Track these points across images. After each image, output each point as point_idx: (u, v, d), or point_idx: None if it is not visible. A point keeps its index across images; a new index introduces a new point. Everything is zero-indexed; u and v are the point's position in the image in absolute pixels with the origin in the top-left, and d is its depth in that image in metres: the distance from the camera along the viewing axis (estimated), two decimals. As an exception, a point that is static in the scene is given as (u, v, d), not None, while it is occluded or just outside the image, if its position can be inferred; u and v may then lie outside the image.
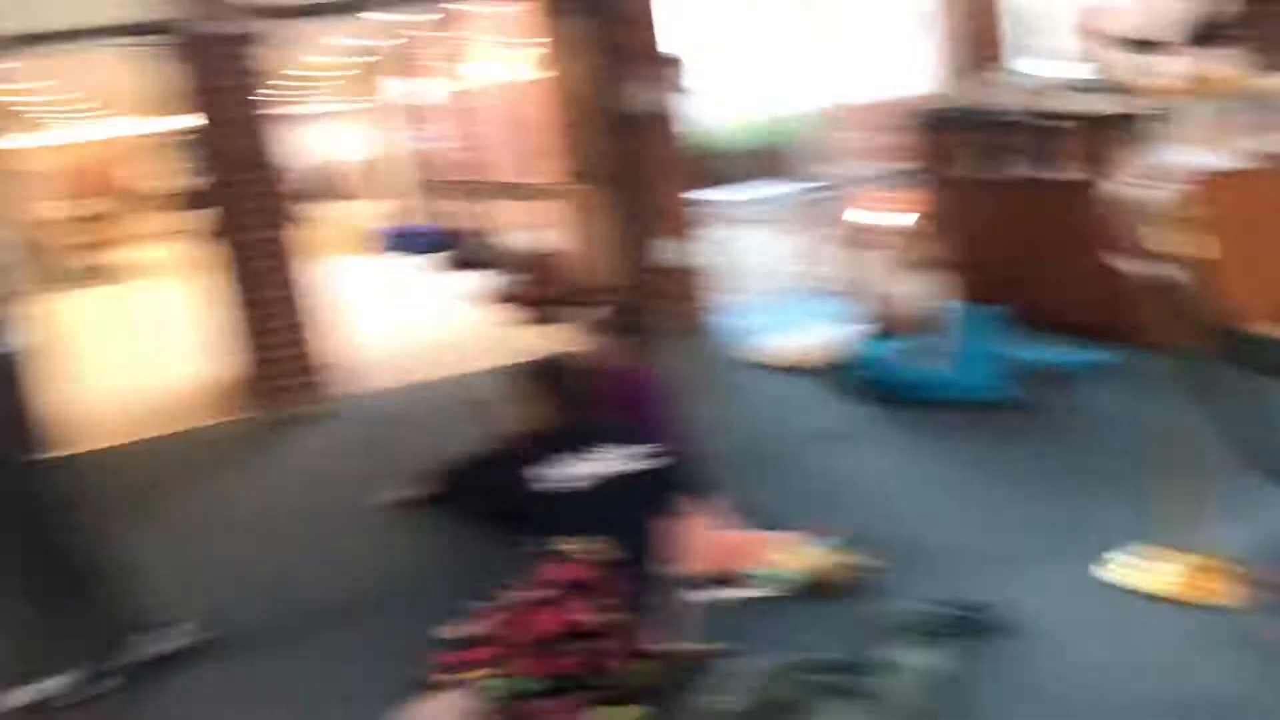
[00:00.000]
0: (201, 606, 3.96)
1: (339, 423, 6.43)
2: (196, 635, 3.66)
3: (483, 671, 2.81)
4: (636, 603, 3.02)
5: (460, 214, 12.91)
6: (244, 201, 6.42)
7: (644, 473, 3.37)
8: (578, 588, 2.96)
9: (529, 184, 10.26)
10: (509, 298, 9.26)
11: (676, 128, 7.50)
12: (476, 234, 12.13)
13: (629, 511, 3.25)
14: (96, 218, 17.44)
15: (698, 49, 8.83)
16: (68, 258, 16.61)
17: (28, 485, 3.46)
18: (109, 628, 3.51)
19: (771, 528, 3.73)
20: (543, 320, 8.46)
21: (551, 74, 8.00)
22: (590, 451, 3.38)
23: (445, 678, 2.89)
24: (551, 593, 2.97)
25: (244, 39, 6.30)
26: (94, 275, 16.65)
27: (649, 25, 7.31)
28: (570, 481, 3.34)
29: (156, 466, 6.05)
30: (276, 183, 6.48)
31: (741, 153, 12.63)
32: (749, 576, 3.50)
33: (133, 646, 3.53)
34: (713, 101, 11.34)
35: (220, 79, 6.31)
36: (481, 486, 4.29)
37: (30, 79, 12.93)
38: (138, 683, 3.48)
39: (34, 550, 3.45)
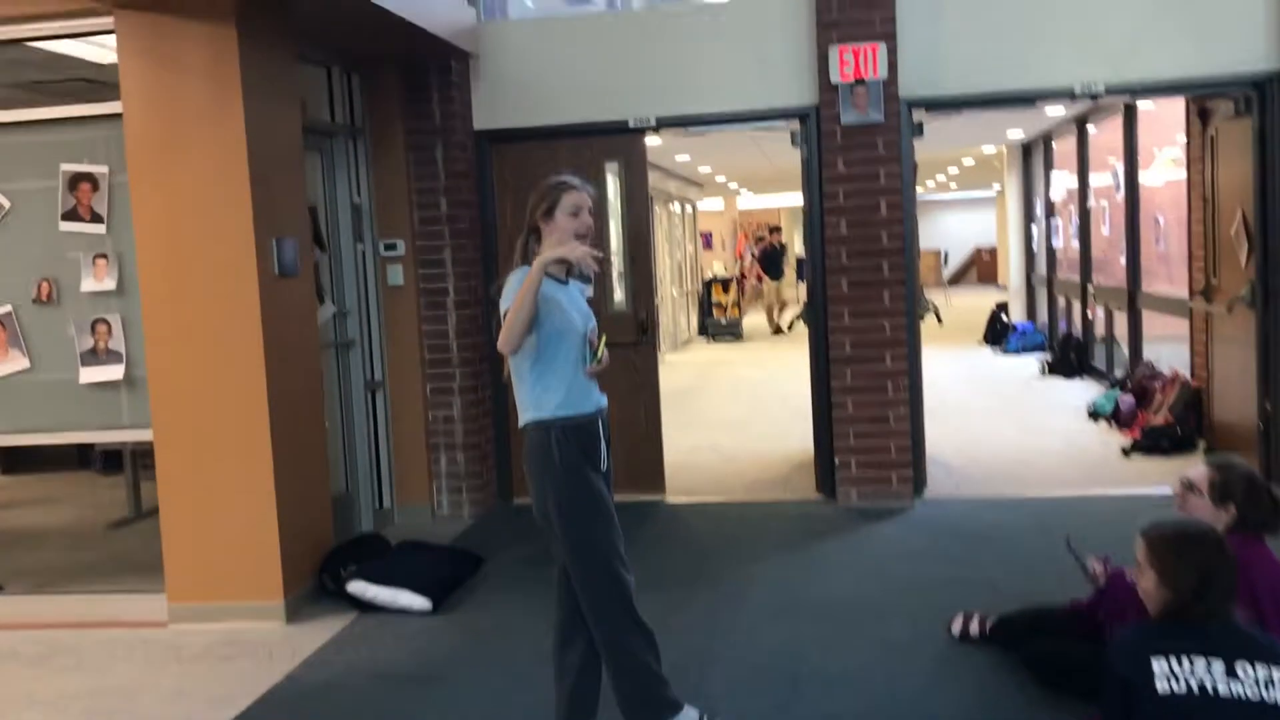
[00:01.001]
0: (730, 687, 3.95)
1: (920, 524, 6.15)
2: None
3: None
4: None
5: (1076, 317, 12.04)
6: (865, 286, 6.42)
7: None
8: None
9: (1157, 295, 9.27)
10: (1121, 419, 8.38)
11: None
12: (1086, 340, 11.24)
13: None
14: (742, 277, 18.89)
15: None
16: (716, 313, 18.16)
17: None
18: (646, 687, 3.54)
19: None
20: (1155, 452, 7.52)
21: (1200, 178, 7.10)
22: (1228, 658, 2.66)
23: None
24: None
25: (890, 128, 6.32)
26: (726, 332, 18.04)
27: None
28: (1203, 691, 2.62)
29: (729, 532, 6.21)
30: (898, 270, 6.39)
31: None
32: None
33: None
34: None
35: (857, 165, 6.38)
36: (1061, 658, 3.79)
37: (697, 154, 14.34)
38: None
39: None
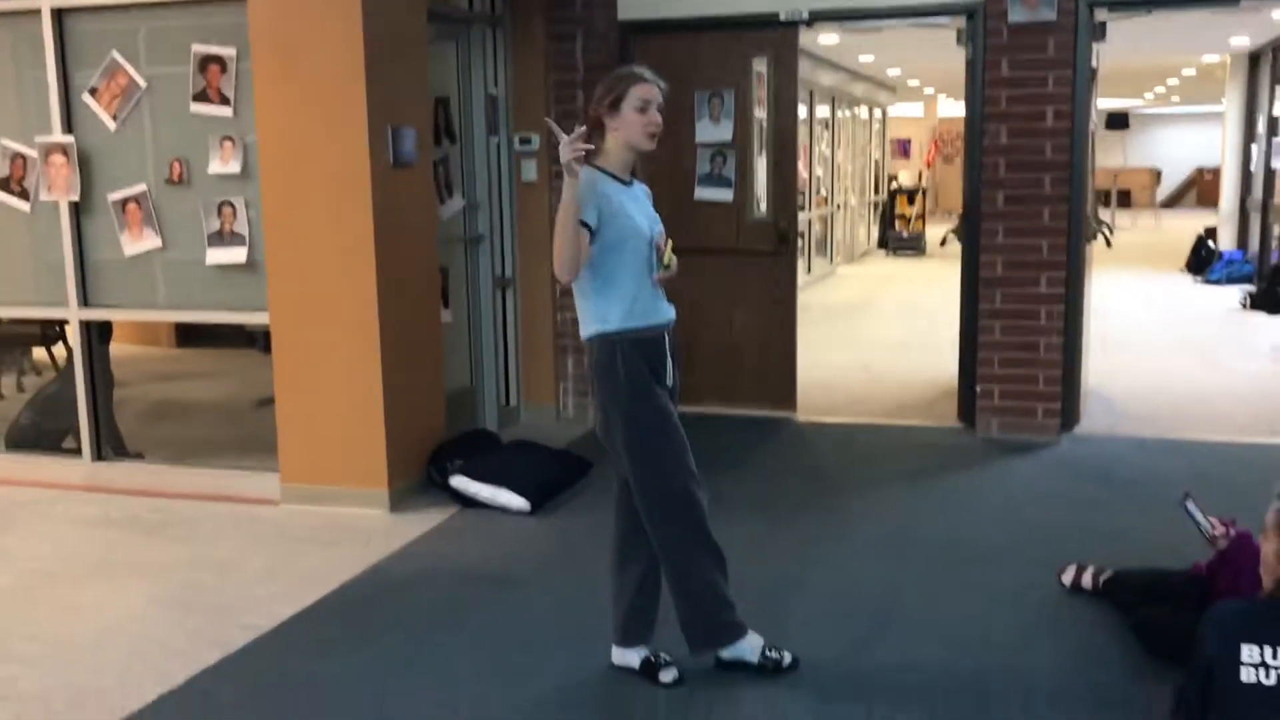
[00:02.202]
0: (811, 618, 3.74)
1: (1061, 462, 5.70)
2: (772, 655, 3.39)
3: None
4: None
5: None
6: (1023, 202, 5.91)
7: None
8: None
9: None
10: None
11: None
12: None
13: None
14: (922, 191, 18.06)
15: None
16: (899, 225, 17.48)
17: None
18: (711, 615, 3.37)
19: None
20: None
21: None
22: None
23: None
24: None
25: (1064, 28, 5.72)
26: (906, 245, 17.34)
27: None
28: None
29: (853, 456, 5.92)
30: (1061, 185, 5.85)
31: None
32: None
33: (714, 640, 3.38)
34: None
35: (1023, 69, 5.82)
36: (1170, 626, 3.40)
37: (882, 55, 13.60)
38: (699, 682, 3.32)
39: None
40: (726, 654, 3.38)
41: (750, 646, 3.38)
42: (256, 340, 8.87)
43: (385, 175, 4.97)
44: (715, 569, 3.33)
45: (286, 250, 5.05)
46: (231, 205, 5.22)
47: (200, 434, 6.73)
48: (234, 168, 5.18)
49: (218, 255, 5.27)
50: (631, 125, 3.16)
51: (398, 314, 5.09)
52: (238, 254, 5.24)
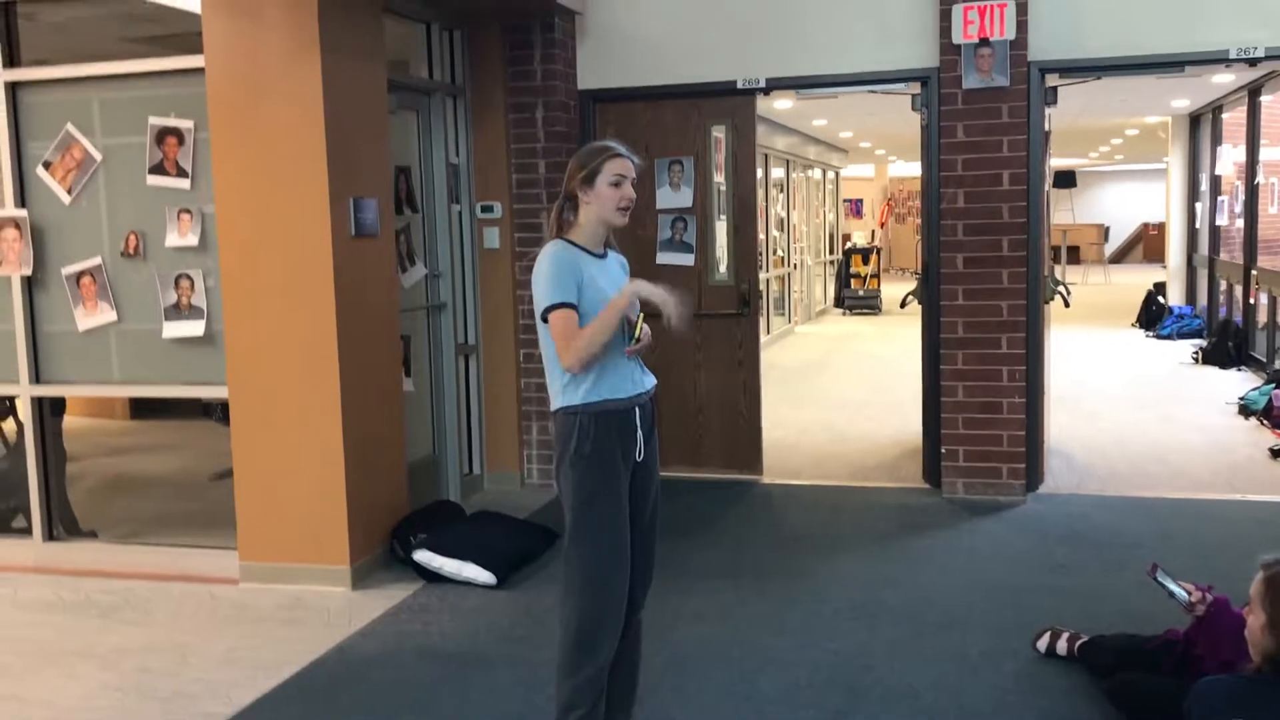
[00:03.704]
0: (784, 692, 3.68)
1: (1027, 523, 5.71)
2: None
3: None
4: None
5: (1238, 301, 11.13)
6: (982, 264, 5.98)
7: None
8: None
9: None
10: (1274, 416, 7.67)
11: None
12: (1247, 327, 10.37)
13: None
14: (876, 250, 18.26)
15: None
16: (855, 284, 17.63)
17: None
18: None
19: None
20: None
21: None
22: None
23: None
24: None
25: (1017, 93, 5.83)
26: (862, 304, 17.49)
27: None
28: None
29: (820, 520, 5.89)
30: (1018, 248, 5.92)
31: None
32: None
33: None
34: None
35: (979, 133, 5.92)
36: (1147, 692, 3.38)
37: (835, 119, 13.80)
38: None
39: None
40: None
41: None
42: (213, 411, 8.74)
43: (347, 246, 4.93)
44: (602, 674, 3.15)
45: (246, 322, 4.97)
46: (189, 278, 5.15)
47: (156, 509, 6.56)
48: (191, 240, 5.12)
49: (175, 329, 5.19)
50: (605, 200, 3.14)
51: (360, 385, 5.02)
52: (195, 327, 5.17)
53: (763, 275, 12.95)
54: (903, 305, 17.03)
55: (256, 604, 4.85)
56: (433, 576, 5.03)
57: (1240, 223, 11.08)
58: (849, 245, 18.76)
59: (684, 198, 6.64)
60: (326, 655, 4.24)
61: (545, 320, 3.09)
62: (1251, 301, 10.67)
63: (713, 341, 6.76)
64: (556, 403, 3.17)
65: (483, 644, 4.33)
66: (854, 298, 17.64)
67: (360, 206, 5.00)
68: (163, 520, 6.19)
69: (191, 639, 4.47)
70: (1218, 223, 12.42)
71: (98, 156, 5.23)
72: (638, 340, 3.15)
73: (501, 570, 4.99)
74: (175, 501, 6.78)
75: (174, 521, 6.16)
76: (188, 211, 5.11)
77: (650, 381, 3.28)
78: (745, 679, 3.88)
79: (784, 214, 15.09)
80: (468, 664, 4.13)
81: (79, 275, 5.29)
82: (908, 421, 7.77)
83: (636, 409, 3.20)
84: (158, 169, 5.13)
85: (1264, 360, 10.07)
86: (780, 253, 14.91)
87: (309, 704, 3.84)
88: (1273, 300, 9.95)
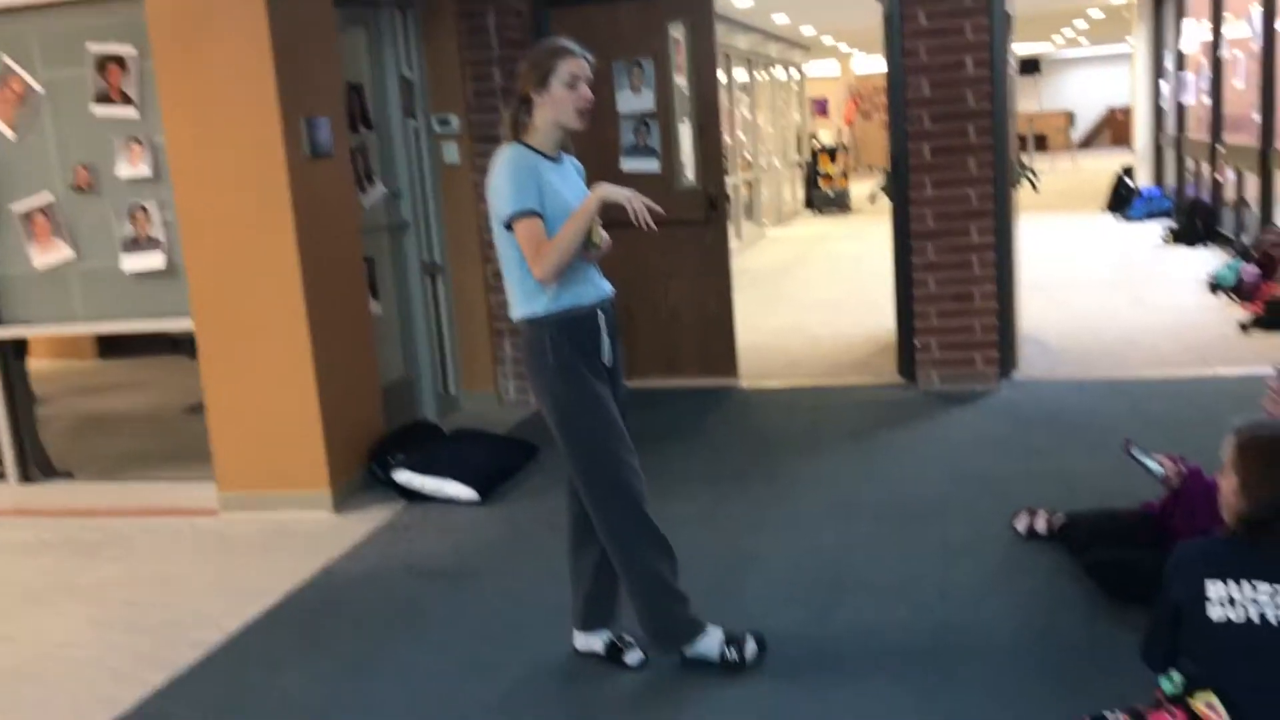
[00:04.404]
0: (768, 591, 3.72)
1: (1003, 409, 5.74)
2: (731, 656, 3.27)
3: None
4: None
5: (1205, 180, 11.13)
6: (949, 153, 5.92)
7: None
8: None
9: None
10: (1243, 291, 7.71)
11: None
12: (1215, 205, 10.38)
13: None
14: (843, 148, 18.12)
15: None
16: (823, 184, 17.53)
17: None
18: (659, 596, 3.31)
19: None
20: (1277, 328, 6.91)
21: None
22: None
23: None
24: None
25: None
26: (832, 204, 17.41)
27: None
28: (1263, 620, 2.27)
29: (798, 420, 5.91)
30: (985, 134, 5.85)
31: None
32: None
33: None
34: None
35: (940, 19, 5.81)
36: (1126, 566, 3.43)
37: (796, 14, 13.58)
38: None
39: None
40: (689, 652, 3.26)
41: (710, 644, 3.25)
42: (182, 346, 8.66)
43: (303, 167, 4.82)
44: (660, 559, 3.20)
45: (206, 252, 4.88)
46: (144, 209, 5.04)
47: (131, 446, 6.53)
48: (144, 170, 4.99)
49: (134, 262, 5.09)
50: (560, 102, 3.07)
51: (326, 308, 4.96)
52: (155, 259, 5.07)
53: (730, 180, 12.83)
54: (872, 200, 16.91)
55: (239, 533, 4.84)
56: (414, 496, 5.03)
57: (1206, 100, 11.02)
58: (816, 145, 18.61)
59: (645, 100, 6.51)
60: (314, 578, 4.25)
61: (508, 228, 3.04)
62: (1218, 179, 10.67)
63: (682, 249, 6.70)
64: (519, 311, 3.13)
65: (469, 559, 4.34)
66: (823, 198, 17.55)
67: (313, 126, 4.88)
68: (138, 457, 6.17)
69: (176, 571, 4.46)
70: (1183, 101, 12.36)
71: (40, 89, 5.07)
72: (597, 246, 3.10)
73: (483, 486, 4.99)
74: (149, 438, 6.76)
75: (150, 457, 6.14)
76: (138, 141, 4.97)
77: (608, 288, 3.24)
78: (729, 580, 3.92)
79: (749, 116, 14.91)
80: (455, 580, 4.15)
81: (30, 213, 5.16)
82: (881, 318, 7.76)
83: (601, 313, 3.17)
84: (103, 98, 4.98)
85: (1232, 236, 10.10)
86: (747, 156, 14.77)
87: (300, 626, 3.85)
88: (1239, 176, 9.95)
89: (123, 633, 3.90)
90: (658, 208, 3.04)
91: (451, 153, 6.38)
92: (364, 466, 5.21)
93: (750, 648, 3.25)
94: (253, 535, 4.79)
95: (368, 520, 4.85)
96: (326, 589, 4.16)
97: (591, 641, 3.40)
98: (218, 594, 4.19)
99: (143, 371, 8.55)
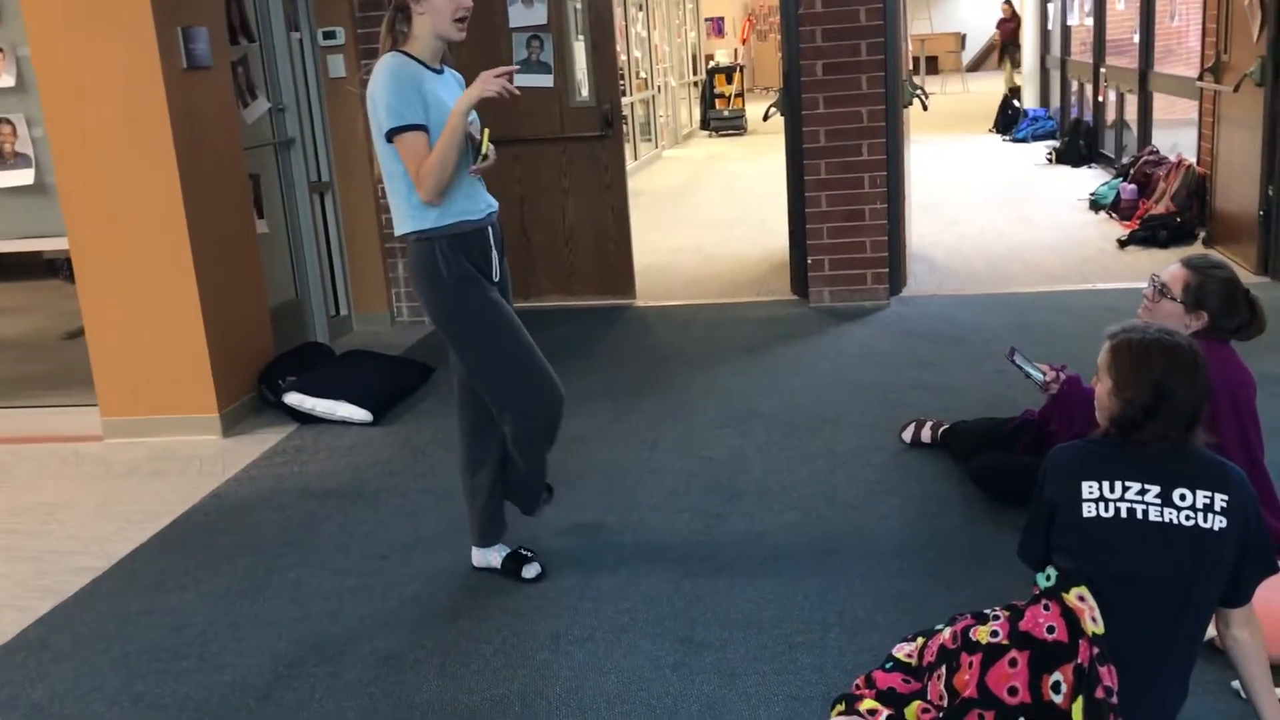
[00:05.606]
0: (663, 498, 3.78)
1: (892, 325, 5.87)
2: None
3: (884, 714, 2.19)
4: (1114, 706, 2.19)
5: (1089, 101, 11.40)
6: (840, 70, 5.94)
7: (1223, 536, 2.34)
8: (1050, 653, 2.22)
9: (1167, 75, 8.67)
10: (1121, 209, 7.97)
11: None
12: (1097, 125, 10.64)
13: (1189, 584, 2.30)
14: (739, 68, 18.05)
15: None
16: (719, 105, 17.45)
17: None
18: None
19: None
20: (1152, 244, 7.16)
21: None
22: (1167, 484, 2.36)
23: (854, 696, 2.33)
24: (1011, 646, 2.25)
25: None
26: (728, 125, 17.38)
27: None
28: (1131, 516, 2.35)
29: (693, 337, 5.96)
30: (876, 51, 5.88)
31: None
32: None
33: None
34: None
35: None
36: (1006, 471, 3.57)
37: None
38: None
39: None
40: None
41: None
42: (60, 269, 8.32)
43: (180, 80, 4.63)
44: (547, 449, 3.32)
45: (79, 169, 4.68)
46: (10, 123, 4.80)
47: (8, 372, 6.27)
48: (7, 80, 4.75)
49: (0, 179, 4.86)
50: (440, 11, 2.99)
51: (209, 227, 4.81)
52: (23, 176, 4.85)
53: (626, 100, 12.71)
54: (765, 118, 16.92)
55: (124, 458, 4.72)
56: (306, 418, 4.96)
57: (1090, 21, 11.23)
58: (712, 65, 18.52)
59: (538, 14, 6.39)
60: (202, 502, 4.18)
61: (390, 140, 2.98)
62: (1100, 100, 10.92)
63: (578, 167, 6.64)
64: (405, 227, 3.08)
65: (362, 480, 4.31)
66: (719, 118, 17.51)
67: (190, 36, 4.69)
68: (17, 383, 5.93)
69: (58, 498, 4.34)
70: (1069, 23, 12.58)
71: (-112, -7, 4.77)
72: (485, 158, 3.05)
73: (376, 407, 4.94)
74: (28, 364, 6.48)
75: (29, 383, 5.91)
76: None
77: (493, 202, 3.21)
78: (624, 491, 3.97)
79: (644, 34, 14.75)
80: (348, 499, 4.12)
81: (-115, 127, 4.88)
82: (775, 238, 7.82)
83: (490, 228, 3.14)
84: (-41, 4, 4.70)
85: (1112, 156, 10.39)
86: (643, 75, 14.63)
87: (187, 549, 3.79)
88: (1120, 97, 10.20)
89: (3, 562, 3.79)
90: (511, 67, 3.00)
91: (337, 66, 6.20)
92: (253, 390, 5.12)
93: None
94: (139, 461, 4.68)
95: (258, 443, 4.77)
96: (216, 512, 4.10)
97: (489, 557, 3.42)
98: (103, 520, 4.09)
99: (20, 296, 8.14)
